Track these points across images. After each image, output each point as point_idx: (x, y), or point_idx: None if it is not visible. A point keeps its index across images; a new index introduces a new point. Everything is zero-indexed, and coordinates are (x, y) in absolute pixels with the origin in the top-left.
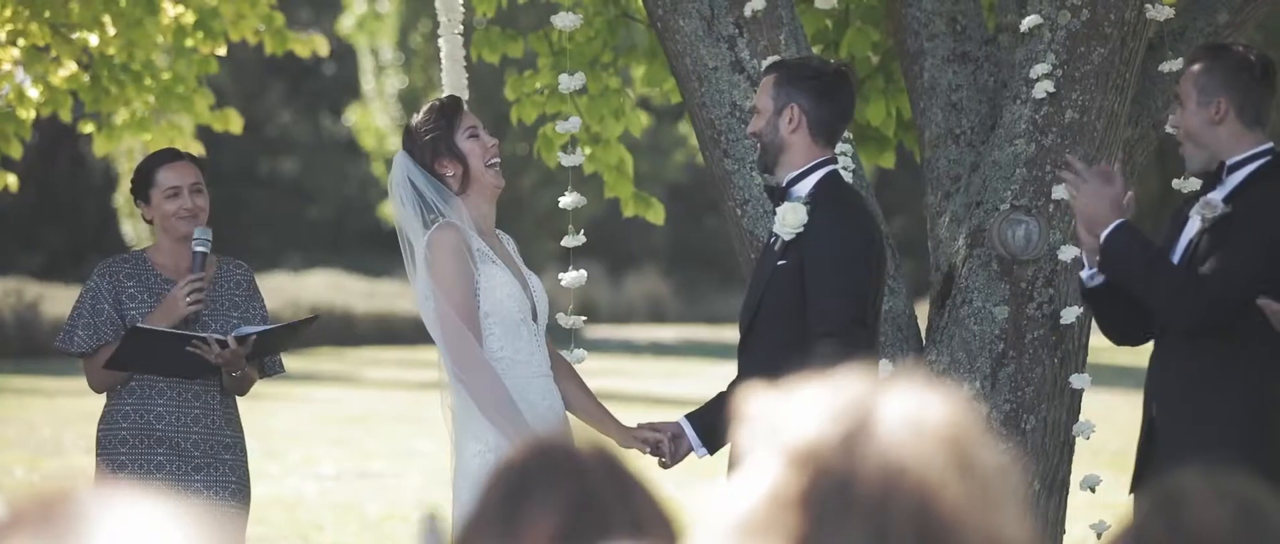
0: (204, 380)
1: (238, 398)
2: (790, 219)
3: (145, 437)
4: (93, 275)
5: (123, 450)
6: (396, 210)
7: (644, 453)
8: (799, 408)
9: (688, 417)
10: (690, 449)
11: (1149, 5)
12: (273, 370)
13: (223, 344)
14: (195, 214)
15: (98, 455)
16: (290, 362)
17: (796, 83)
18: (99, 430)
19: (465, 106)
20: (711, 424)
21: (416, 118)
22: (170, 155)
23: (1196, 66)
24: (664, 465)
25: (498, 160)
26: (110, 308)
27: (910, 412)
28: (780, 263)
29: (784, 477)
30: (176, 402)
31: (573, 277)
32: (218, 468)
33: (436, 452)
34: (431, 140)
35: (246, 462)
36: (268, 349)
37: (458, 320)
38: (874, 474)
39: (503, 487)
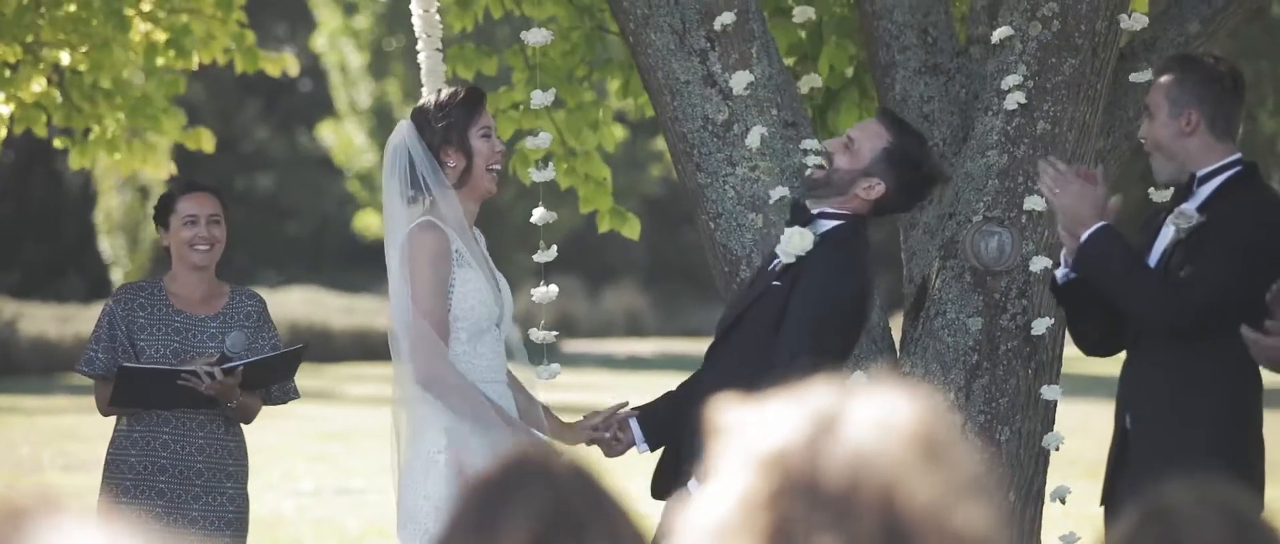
0: (208, 410)
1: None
2: (795, 244)
3: (149, 464)
4: (110, 299)
5: (128, 476)
6: (384, 176)
7: (589, 446)
8: (769, 417)
9: (635, 414)
10: (633, 443)
11: (1123, 16)
12: (283, 398)
13: (211, 375)
14: (211, 244)
15: (103, 478)
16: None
17: (892, 165)
18: (107, 454)
19: (485, 104)
20: (657, 422)
21: (436, 97)
22: (192, 185)
23: (1167, 77)
24: (609, 456)
25: (499, 167)
26: (123, 335)
27: (878, 412)
28: (775, 283)
29: (752, 480)
30: (181, 430)
31: (543, 292)
32: (217, 497)
33: None
34: (444, 126)
35: (247, 492)
36: (262, 379)
37: (427, 328)
38: (840, 472)
39: (477, 499)
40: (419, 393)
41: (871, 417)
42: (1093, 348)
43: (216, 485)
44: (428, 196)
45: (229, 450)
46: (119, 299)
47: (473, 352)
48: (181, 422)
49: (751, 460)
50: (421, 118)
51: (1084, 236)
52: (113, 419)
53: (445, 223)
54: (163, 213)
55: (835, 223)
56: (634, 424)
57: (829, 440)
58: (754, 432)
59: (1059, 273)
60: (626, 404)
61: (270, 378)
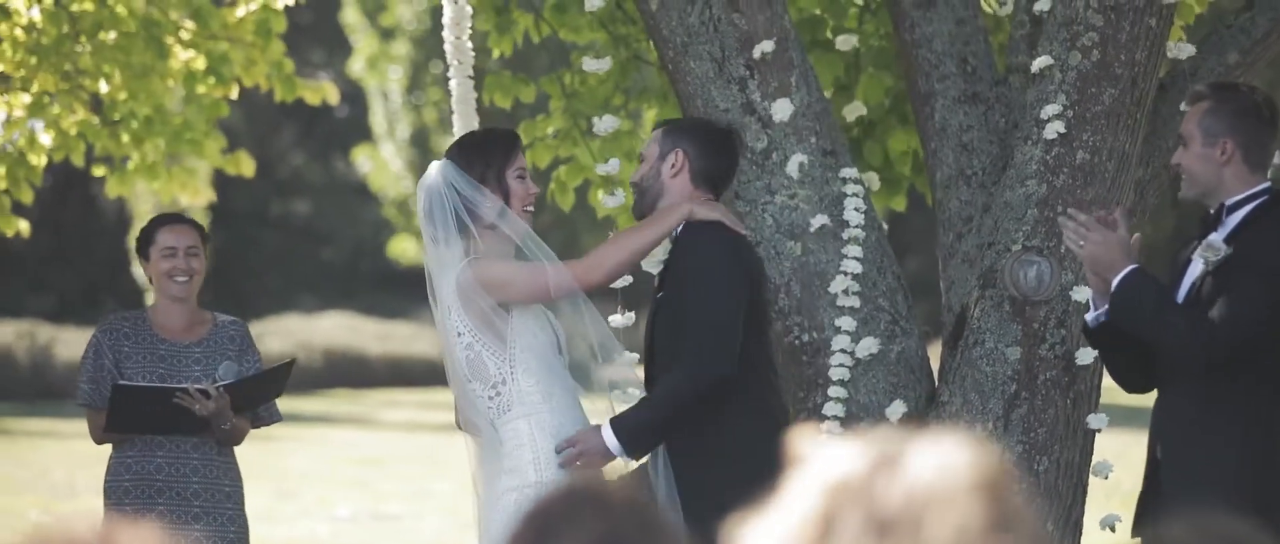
0: (202, 434)
1: (243, 444)
2: (655, 252)
3: (146, 487)
4: (96, 331)
5: (127, 501)
6: (425, 220)
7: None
8: (838, 450)
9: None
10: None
11: (1170, 44)
12: (267, 419)
13: (205, 393)
14: (189, 275)
15: (105, 505)
16: (305, 404)
17: (684, 133)
18: (105, 481)
19: (521, 146)
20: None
21: (473, 136)
22: (172, 218)
23: (1202, 105)
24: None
25: (532, 209)
26: (110, 364)
27: (939, 452)
28: (659, 296)
29: (812, 504)
30: (175, 453)
31: (622, 319)
32: (217, 518)
33: (452, 492)
34: (483, 167)
35: (245, 512)
36: (251, 399)
37: (547, 282)
38: (895, 503)
39: (533, 529)
40: (490, 427)
41: (932, 455)
42: (1134, 386)
43: (216, 507)
44: (469, 236)
45: (224, 471)
46: (105, 330)
47: (549, 381)
48: (176, 444)
49: (815, 485)
50: (461, 157)
51: (1115, 282)
52: (102, 438)
53: (500, 257)
54: (143, 244)
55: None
56: (609, 434)
57: (889, 472)
58: (823, 461)
59: (1089, 317)
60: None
61: (261, 399)
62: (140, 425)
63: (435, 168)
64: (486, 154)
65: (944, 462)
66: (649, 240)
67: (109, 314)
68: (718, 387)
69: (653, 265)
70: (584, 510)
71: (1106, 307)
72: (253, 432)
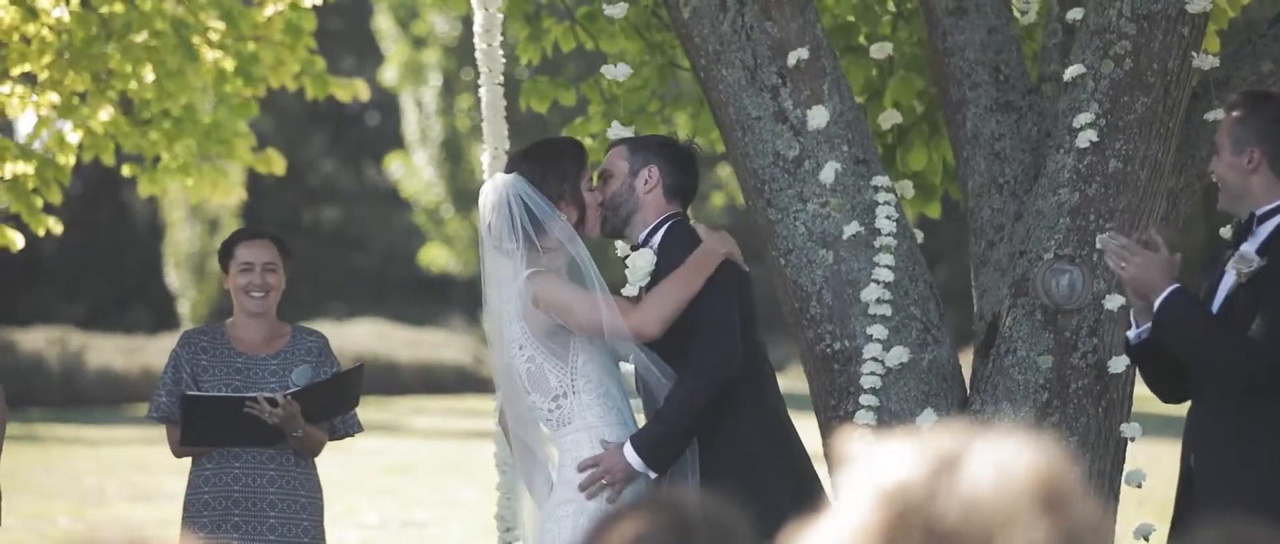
0: (277, 446)
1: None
2: (640, 266)
3: (224, 499)
4: (176, 345)
5: (205, 514)
6: (487, 231)
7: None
8: (893, 452)
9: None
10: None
11: (1194, 54)
12: (347, 430)
13: (274, 402)
14: (266, 291)
15: (183, 520)
16: None
17: (652, 150)
18: (185, 496)
19: (588, 157)
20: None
21: (544, 150)
22: (252, 232)
23: (1233, 114)
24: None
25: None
26: (188, 377)
27: (999, 458)
28: None
29: (870, 513)
30: (253, 464)
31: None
32: (292, 529)
33: (480, 501)
34: (558, 180)
35: (323, 525)
36: (324, 407)
37: (606, 314)
38: (955, 512)
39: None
40: (543, 439)
41: (993, 461)
42: (1170, 396)
43: (292, 517)
44: (535, 246)
45: (301, 482)
46: (185, 344)
47: (612, 381)
48: (253, 455)
49: (872, 492)
50: (532, 171)
51: (1158, 303)
52: (180, 451)
53: (555, 272)
54: (224, 257)
55: (658, 232)
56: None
57: (949, 480)
58: (878, 464)
59: (1131, 334)
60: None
61: (334, 407)
62: (214, 437)
63: (503, 180)
64: (561, 166)
65: (1006, 471)
66: (694, 288)
67: (189, 329)
68: (728, 387)
69: (638, 279)
70: (663, 525)
71: (1149, 325)
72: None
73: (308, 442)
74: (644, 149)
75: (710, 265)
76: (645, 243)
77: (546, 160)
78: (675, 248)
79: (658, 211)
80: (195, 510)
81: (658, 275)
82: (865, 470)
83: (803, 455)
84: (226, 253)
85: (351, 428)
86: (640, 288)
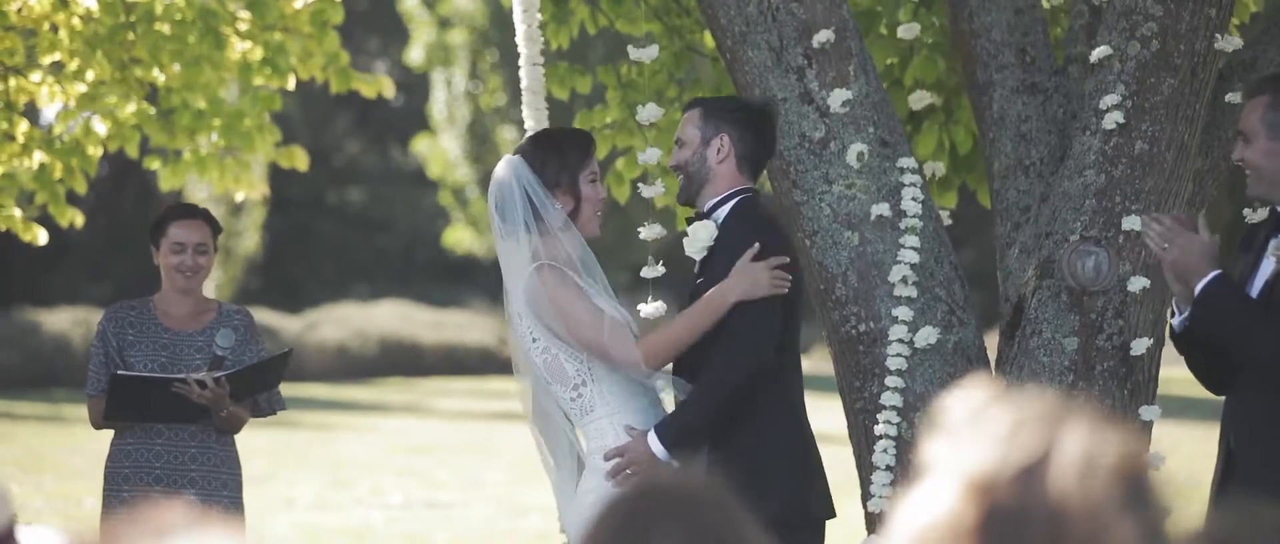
0: (200, 423)
1: (297, 433)
2: (700, 237)
3: (145, 474)
4: (101, 319)
5: (125, 487)
6: (495, 214)
7: None
8: (983, 434)
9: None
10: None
11: (1218, 36)
12: (269, 409)
13: (202, 384)
14: (195, 271)
15: (104, 491)
16: (359, 392)
17: (726, 116)
18: (106, 468)
19: (594, 149)
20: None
21: (548, 136)
22: (185, 211)
23: (1264, 99)
24: None
25: (601, 213)
26: (113, 351)
27: (1087, 449)
28: (699, 282)
29: (961, 506)
30: (174, 442)
31: (652, 308)
32: (213, 507)
33: (504, 481)
34: (557, 169)
35: (242, 500)
36: (250, 388)
37: (600, 341)
38: (1046, 512)
39: (619, 523)
40: (569, 427)
41: (1081, 454)
42: (1215, 385)
43: (212, 494)
44: (535, 231)
45: (222, 460)
46: (110, 319)
47: (630, 377)
48: (175, 433)
49: (962, 481)
50: (535, 156)
51: (1199, 288)
52: (101, 424)
53: (564, 263)
54: (155, 232)
55: (725, 205)
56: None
57: (1039, 474)
58: (967, 449)
59: (1175, 322)
60: None
61: (258, 386)
62: (137, 413)
63: (506, 164)
64: (562, 155)
65: (1094, 465)
66: (707, 324)
67: (117, 303)
68: (755, 377)
69: (696, 251)
70: (674, 506)
71: (1194, 314)
72: (304, 419)
73: (231, 420)
74: (716, 116)
75: (721, 310)
76: (711, 214)
77: (546, 146)
78: (738, 228)
79: (729, 183)
80: (116, 484)
81: (716, 253)
82: (954, 451)
83: (818, 466)
84: (159, 229)
85: (276, 404)
86: (697, 260)
